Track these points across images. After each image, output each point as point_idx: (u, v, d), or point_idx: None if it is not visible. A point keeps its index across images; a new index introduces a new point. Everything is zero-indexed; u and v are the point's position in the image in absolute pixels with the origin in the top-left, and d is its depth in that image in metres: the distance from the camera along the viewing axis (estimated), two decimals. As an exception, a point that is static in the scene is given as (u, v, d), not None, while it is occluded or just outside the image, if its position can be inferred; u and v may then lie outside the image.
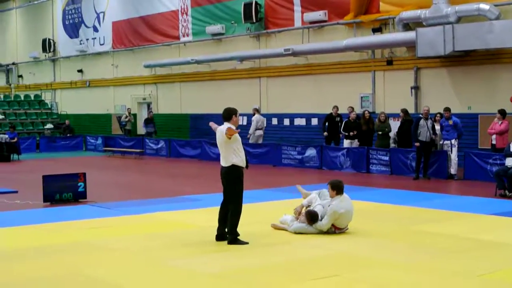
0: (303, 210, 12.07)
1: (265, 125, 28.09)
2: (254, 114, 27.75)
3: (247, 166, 11.15)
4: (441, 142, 20.76)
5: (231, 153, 10.95)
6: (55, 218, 13.98)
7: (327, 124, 25.00)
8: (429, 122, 20.57)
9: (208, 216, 11.57)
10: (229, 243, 10.96)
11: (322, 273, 9.06)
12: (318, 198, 12.27)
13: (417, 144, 20.44)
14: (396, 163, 21.82)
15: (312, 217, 11.68)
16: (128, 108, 36.37)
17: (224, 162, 11.07)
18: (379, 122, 22.92)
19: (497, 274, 8.94)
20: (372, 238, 11.41)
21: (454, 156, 20.32)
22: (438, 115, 21.20)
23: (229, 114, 11.22)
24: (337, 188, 11.72)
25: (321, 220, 11.63)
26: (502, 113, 19.68)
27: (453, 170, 20.35)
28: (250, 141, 27.01)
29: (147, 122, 33.74)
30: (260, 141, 27.40)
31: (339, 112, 24.85)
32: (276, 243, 11.08)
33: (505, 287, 8.49)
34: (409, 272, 9.10)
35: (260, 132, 27.57)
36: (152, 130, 33.56)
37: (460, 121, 20.79)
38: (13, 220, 13.68)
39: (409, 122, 21.90)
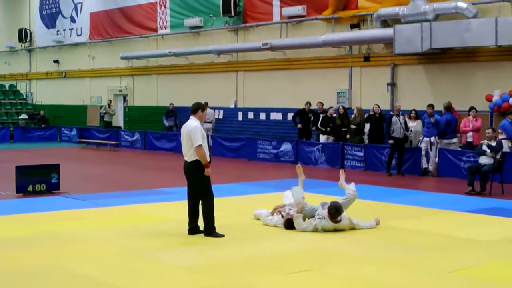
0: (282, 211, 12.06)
1: (214, 119, 28.78)
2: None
3: (209, 161, 11.11)
4: (420, 138, 20.85)
5: (194, 148, 10.92)
6: (28, 209, 13.87)
7: (298, 118, 25.04)
8: (401, 118, 20.69)
9: (182, 209, 11.54)
10: (206, 235, 10.96)
11: (297, 267, 9.07)
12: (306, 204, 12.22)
13: (391, 141, 20.51)
14: (371, 159, 21.90)
15: (290, 226, 11.67)
16: (109, 100, 36.15)
17: (187, 157, 11.04)
18: (355, 117, 22.97)
19: (468, 271, 9.00)
20: (346, 233, 11.43)
21: (433, 154, 20.41)
22: (413, 111, 21.33)
23: (196, 108, 11.21)
24: (329, 213, 11.43)
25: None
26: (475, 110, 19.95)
27: (431, 167, 20.45)
28: None
29: (169, 115, 31.59)
30: (210, 133, 27.78)
31: (311, 108, 24.88)
32: (252, 237, 11.09)
33: (477, 283, 8.54)
34: (382, 268, 9.13)
35: (209, 125, 28.04)
36: (173, 124, 31.25)
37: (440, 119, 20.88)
38: (-15, 211, 13.57)
39: (381, 118, 21.99)
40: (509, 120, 19.55)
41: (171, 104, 31.72)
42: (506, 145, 19.17)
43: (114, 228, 11.87)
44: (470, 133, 20.03)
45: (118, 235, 11.25)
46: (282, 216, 11.91)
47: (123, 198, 15.37)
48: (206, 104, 27.89)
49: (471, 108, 20.26)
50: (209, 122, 28.09)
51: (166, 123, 31.46)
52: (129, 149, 31.13)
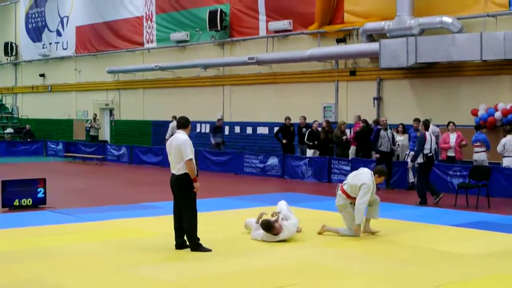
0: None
1: None
2: (172, 121, 28.57)
3: (197, 175, 11.10)
4: (407, 152, 20.89)
5: (183, 161, 10.90)
6: (14, 224, 13.80)
7: (280, 134, 25.14)
8: (389, 132, 20.74)
9: (169, 224, 11.51)
10: (193, 250, 10.92)
11: (282, 282, 9.05)
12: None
13: (377, 155, 20.48)
14: (358, 173, 21.87)
15: (266, 226, 11.75)
16: (94, 114, 36.11)
17: (175, 171, 11.02)
18: (340, 132, 22.99)
19: (455, 285, 9.01)
20: (331, 247, 11.43)
21: (419, 168, 20.45)
22: (400, 126, 21.40)
23: (186, 122, 11.22)
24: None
25: None
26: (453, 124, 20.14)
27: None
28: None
29: (217, 130, 28.52)
30: None
31: (291, 122, 25.08)
32: (238, 252, 11.06)
33: (464, 298, 8.56)
34: (368, 282, 9.13)
35: None
36: (220, 141, 28.34)
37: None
38: (-29, 225, 13.48)
39: (368, 132, 22.04)
40: (485, 134, 19.77)
41: (220, 120, 28.86)
42: (485, 157, 19.34)
43: (100, 243, 11.81)
44: (452, 148, 20.15)
45: (104, 249, 11.20)
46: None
47: (109, 213, 15.30)
48: (175, 117, 28.42)
49: (449, 123, 20.36)
50: None
51: (213, 140, 28.26)
52: (115, 163, 31.04)
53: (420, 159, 17.29)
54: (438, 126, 22.24)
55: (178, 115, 11.79)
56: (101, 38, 36.80)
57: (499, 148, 19.01)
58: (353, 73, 25.40)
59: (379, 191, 19.87)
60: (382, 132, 20.62)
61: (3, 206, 15.92)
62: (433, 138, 18.20)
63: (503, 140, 18.98)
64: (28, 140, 37.36)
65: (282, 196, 15.75)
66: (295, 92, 27.28)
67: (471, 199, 16.84)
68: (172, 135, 27.93)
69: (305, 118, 24.62)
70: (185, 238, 11.09)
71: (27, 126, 38.54)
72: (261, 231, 11.92)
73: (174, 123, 28.35)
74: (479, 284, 9.18)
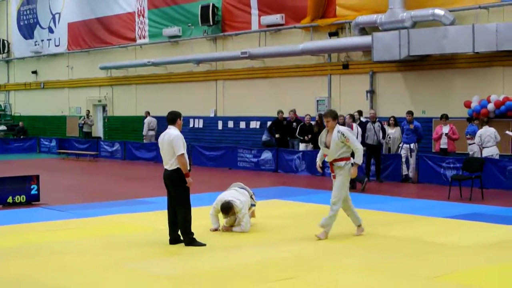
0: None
1: (156, 126, 30.48)
2: (146, 117, 30.76)
3: (189, 170, 11.09)
4: (400, 145, 20.92)
5: (175, 157, 10.88)
6: (7, 221, 13.76)
7: (274, 128, 25.20)
8: (376, 125, 20.73)
9: (163, 219, 11.52)
10: (187, 244, 10.92)
11: (279, 275, 9.06)
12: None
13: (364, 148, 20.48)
14: (351, 166, 21.89)
15: (225, 210, 12.06)
16: (87, 110, 36.05)
17: (168, 166, 11.01)
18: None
19: (451, 276, 9.03)
20: (326, 241, 11.42)
21: (413, 160, 20.50)
22: (392, 118, 21.43)
23: (174, 117, 11.17)
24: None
25: None
26: (446, 117, 20.34)
27: (410, 174, 20.52)
28: (145, 141, 30.32)
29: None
30: (153, 140, 29.41)
31: (284, 116, 25.14)
32: (233, 246, 11.05)
33: (458, 289, 8.57)
34: (364, 275, 9.14)
35: (152, 133, 30.28)
36: (269, 138, 26.40)
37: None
38: (-36, 223, 13.44)
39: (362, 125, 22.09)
40: (477, 126, 19.83)
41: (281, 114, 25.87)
42: (477, 149, 19.42)
43: (94, 239, 11.80)
44: (445, 140, 20.23)
45: (98, 245, 11.19)
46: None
47: (103, 209, 15.29)
48: (148, 113, 30.58)
49: (442, 116, 20.44)
50: (152, 130, 30.30)
51: (265, 138, 26.50)
52: (109, 159, 31.00)
53: None
54: (431, 118, 22.34)
55: (172, 110, 11.68)
56: (93, 34, 36.73)
57: (477, 139, 19.13)
58: (346, 66, 25.40)
59: (370, 183, 19.91)
60: (368, 125, 20.66)
61: (-4, 203, 15.89)
62: (359, 131, 19.10)
63: (479, 132, 19.09)
64: (21, 137, 37.31)
65: (276, 190, 15.78)
66: (288, 86, 27.27)
67: (465, 191, 16.86)
68: (148, 129, 29.36)
69: (294, 112, 24.66)
70: (179, 233, 11.09)
71: (20, 123, 38.49)
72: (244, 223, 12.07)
73: (149, 118, 30.47)
74: (474, 275, 9.20)
